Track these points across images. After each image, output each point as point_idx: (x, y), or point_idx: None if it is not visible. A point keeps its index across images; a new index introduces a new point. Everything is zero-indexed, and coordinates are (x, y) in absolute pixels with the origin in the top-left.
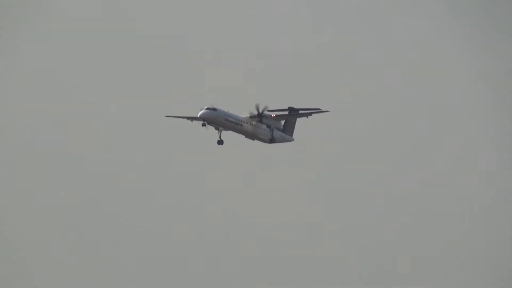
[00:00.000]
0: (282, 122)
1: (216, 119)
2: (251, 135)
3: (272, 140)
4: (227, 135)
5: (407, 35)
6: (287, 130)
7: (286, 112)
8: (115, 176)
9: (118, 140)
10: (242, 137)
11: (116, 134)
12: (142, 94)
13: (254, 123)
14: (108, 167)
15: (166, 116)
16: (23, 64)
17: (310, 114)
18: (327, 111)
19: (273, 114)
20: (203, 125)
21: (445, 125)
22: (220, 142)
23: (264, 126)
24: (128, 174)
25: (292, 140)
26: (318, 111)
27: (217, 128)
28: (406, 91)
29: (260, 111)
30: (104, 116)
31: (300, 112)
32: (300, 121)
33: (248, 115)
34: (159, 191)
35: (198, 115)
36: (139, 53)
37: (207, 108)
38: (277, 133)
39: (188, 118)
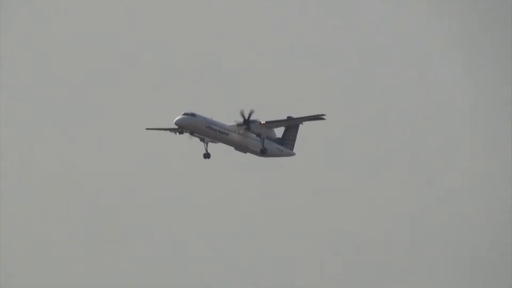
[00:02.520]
0: (278, 131)
1: (195, 126)
2: (240, 147)
3: (263, 152)
4: (215, 148)
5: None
6: (286, 143)
7: (278, 119)
8: (96, 195)
9: (96, 156)
10: (232, 149)
11: (94, 149)
12: (120, 106)
13: (241, 131)
14: (88, 184)
15: (146, 129)
16: None
17: (303, 120)
18: (322, 115)
19: (263, 121)
20: (180, 132)
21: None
22: (207, 155)
23: (254, 136)
24: (108, 193)
25: (293, 154)
26: (314, 116)
27: (202, 140)
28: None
29: (247, 117)
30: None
31: (294, 118)
32: (302, 134)
33: (235, 124)
34: (140, 210)
35: (174, 122)
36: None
37: (184, 114)
38: (273, 145)
39: (170, 130)
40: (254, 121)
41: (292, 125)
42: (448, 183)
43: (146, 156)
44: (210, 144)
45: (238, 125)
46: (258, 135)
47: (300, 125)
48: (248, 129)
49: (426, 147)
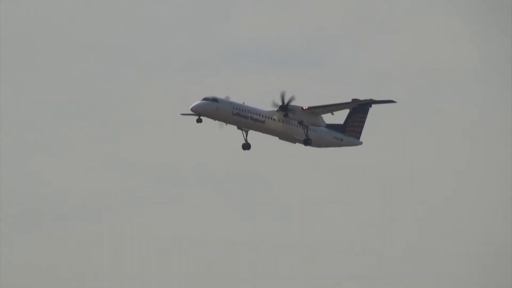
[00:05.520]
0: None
1: (217, 113)
2: (284, 136)
3: (307, 142)
4: (257, 137)
5: None
6: (350, 130)
7: (327, 103)
8: (125, 183)
9: (127, 143)
10: (276, 139)
11: (125, 135)
12: (154, 90)
13: (281, 118)
14: (118, 171)
15: (181, 114)
16: None
17: (369, 104)
18: (392, 101)
19: (305, 106)
20: (198, 120)
21: None
22: (246, 146)
23: (296, 123)
24: (137, 183)
25: (359, 144)
26: (380, 101)
27: (240, 128)
28: None
29: (285, 102)
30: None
31: (351, 102)
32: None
33: (274, 109)
34: (169, 203)
35: (190, 108)
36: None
37: (204, 99)
38: (329, 134)
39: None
40: (292, 107)
41: (357, 109)
42: None
43: (178, 145)
44: (251, 132)
45: (277, 110)
46: (300, 122)
47: (370, 109)
48: (286, 115)
49: None
